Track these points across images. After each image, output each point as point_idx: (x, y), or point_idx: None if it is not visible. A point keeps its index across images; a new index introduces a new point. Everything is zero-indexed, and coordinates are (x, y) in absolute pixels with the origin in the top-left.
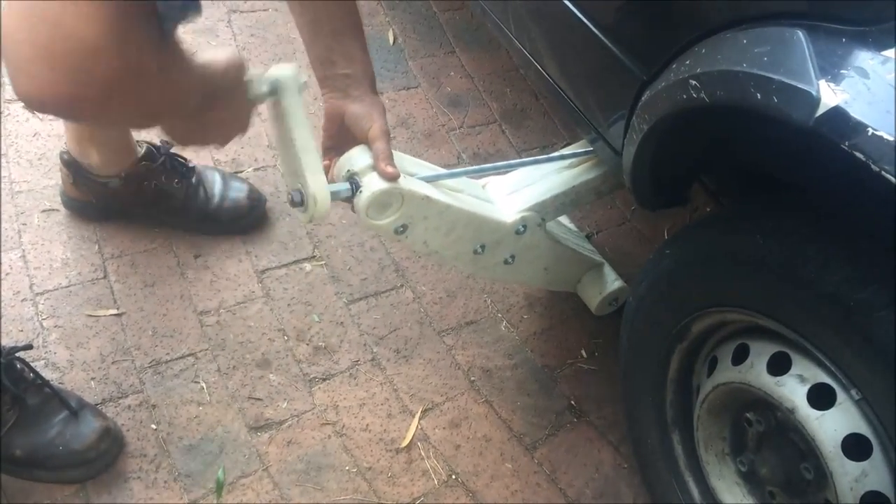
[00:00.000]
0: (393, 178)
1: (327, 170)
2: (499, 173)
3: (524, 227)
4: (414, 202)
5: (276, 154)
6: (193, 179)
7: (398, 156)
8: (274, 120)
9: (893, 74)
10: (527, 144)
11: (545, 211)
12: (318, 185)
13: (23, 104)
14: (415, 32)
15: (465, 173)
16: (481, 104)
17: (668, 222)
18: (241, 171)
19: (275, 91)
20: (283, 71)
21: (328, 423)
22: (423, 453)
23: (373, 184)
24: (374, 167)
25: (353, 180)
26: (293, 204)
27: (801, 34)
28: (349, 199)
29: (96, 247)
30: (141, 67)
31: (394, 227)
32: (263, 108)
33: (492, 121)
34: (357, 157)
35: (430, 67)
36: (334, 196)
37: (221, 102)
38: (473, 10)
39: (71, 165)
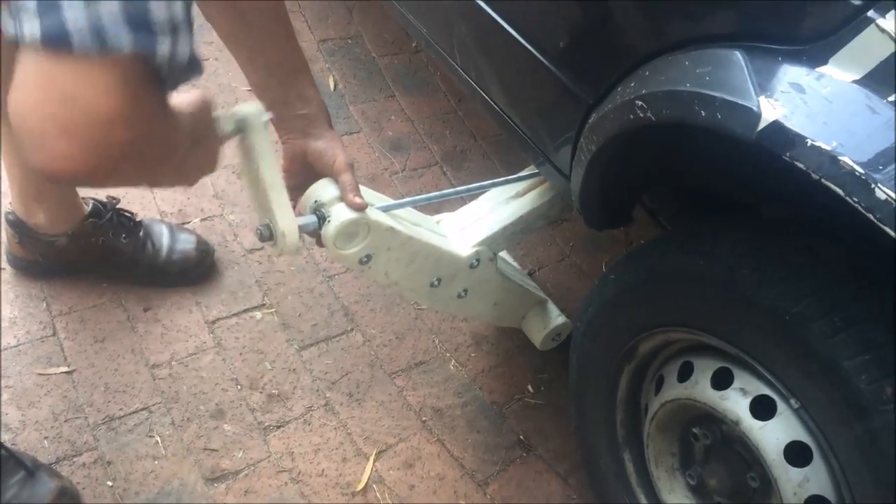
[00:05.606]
0: (361, 208)
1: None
2: (455, 202)
3: (478, 260)
4: (379, 232)
5: (222, 203)
6: (141, 234)
7: (361, 188)
8: (242, 157)
9: (828, 89)
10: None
11: (497, 242)
12: (286, 219)
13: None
14: (355, 78)
15: (426, 200)
16: (422, 147)
17: (606, 256)
18: (188, 223)
19: (241, 128)
20: (247, 109)
21: (284, 471)
22: (378, 495)
23: (341, 214)
24: (342, 198)
25: (320, 212)
26: (262, 239)
27: (739, 54)
28: (316, 232)
29: (44, 304)
30: (151, 134)
31: (359, 258)
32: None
33: (433, 163)
34: (323, 189)
35: (371, 112)
36: (302, 228)
37: (196, 143)
38: (417, 40)
39: (16, 225)
